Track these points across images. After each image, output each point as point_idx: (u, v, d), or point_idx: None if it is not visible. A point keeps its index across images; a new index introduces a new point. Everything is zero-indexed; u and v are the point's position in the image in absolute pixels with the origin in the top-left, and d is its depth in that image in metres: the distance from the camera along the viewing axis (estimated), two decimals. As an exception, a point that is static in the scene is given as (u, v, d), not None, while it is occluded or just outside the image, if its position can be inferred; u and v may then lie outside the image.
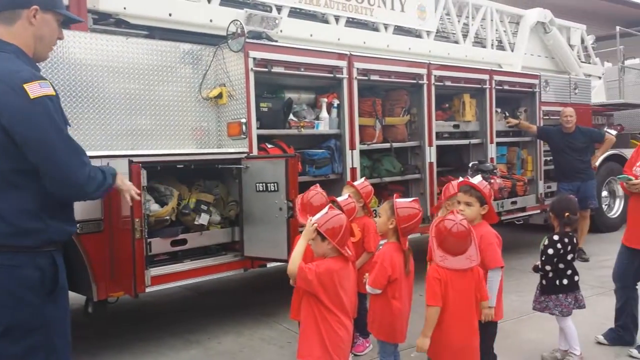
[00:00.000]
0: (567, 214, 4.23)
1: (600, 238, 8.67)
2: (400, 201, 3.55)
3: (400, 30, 7.48)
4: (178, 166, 4.89)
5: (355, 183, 4.72)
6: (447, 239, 3.18)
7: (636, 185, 4.25)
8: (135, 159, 4.15)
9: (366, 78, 5.97)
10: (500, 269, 3.61)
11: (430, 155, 6.66)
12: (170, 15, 5.34)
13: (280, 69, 5.29)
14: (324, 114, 5.84)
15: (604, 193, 9.53)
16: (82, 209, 4.21)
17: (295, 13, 6.38)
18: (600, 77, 10.84)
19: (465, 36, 8.28)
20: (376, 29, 7.21)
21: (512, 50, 8.99)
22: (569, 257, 4.21)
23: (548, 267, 4.14)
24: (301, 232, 3.18)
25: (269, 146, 5.37)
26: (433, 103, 6.63)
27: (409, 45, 7.40)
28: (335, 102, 5.87)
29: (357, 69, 5.86)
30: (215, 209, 5.13)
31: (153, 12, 5.27)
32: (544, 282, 4.25)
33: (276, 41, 5.48)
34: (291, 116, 5.63)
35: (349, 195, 4.21)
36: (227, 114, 5.30)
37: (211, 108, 5.35)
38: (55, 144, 2.33)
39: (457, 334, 3.19)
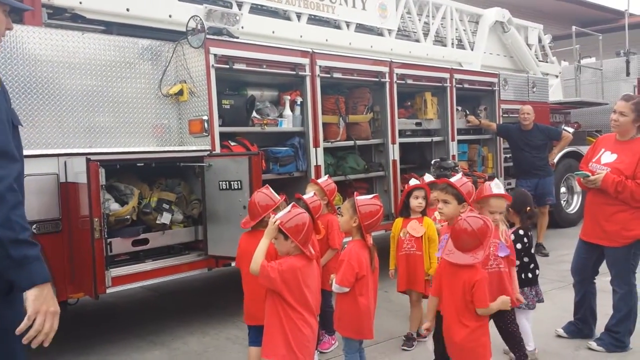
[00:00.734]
0: (528, 207, 4.32)
1: (559, 233, 8.89)
2: (361, 198, 3.56)
3: (362, 28, 7.51)
4: (138, 164, 4.79)
5: (319, 181, 4.73)
6: (458, 235, 3.19)
7: (592, 182, 4.36)
8: (93, 157, 4.06)
9: (329, 76, 5.98)
10: None
11: (394, 152, 6.72)
12: (127, 10, 5.23)
13: (242, 66, 5.25)
14: (287, 111, 5.82)
15: (562, 189, 9.78)
16: (38, 209, 4.12)
17: (257, 9, 6.33)
18: (557, 76, 11.11)
19: (426, 35, 8.37)
20: (338, 27, 7.22)
21: (472, 49, 9.13)
22: (532, 250, 4.31)
23: (518, 262, 4.20)
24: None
25: (232, 144, 5.32)
26: (395, 101, 6.69)
27: (370, 43, 7.44)
28: (299, 99, 5.86)
29: (320, 66, 5.87)
30: (177, 208, 5.05)
31: (110, 7, 5.15)
32: None
33: (237, 38, 5.43)
34: (254, 114, 5.58)
35: (314, 193, 4.20)
36: (188, 111, 5.22)
37: (172, 105, 5.27)
38: None
39: (446, 325, 3.26)
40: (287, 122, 5.81)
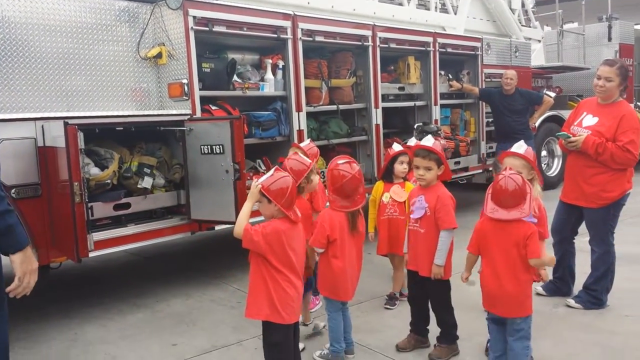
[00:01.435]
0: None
1: (539, 196, 8.98)
2: (333, 164, 3.58)
3: (344, -9, 7.39)
4: (117, 128, 4.72)
5: (301, 144, 4.71)
6: (499, 194, 3.18)
7: (573, 143, 4.40)
8: (71, 121, 3.99)
9: (311, 39, 5.91)
10: (453, 230, 3.65)
11: (377, 117, 6.71)
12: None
13: (222, 29, 5.16)
14: (269, 75, 5.76)
15: (543, 153, 9.89)
16: (16, 173, 4.07)
17: (237, -30, 6.19)
18: (539, 41, 11.09)
19: (409, -2, 8.28)
20: (320, -11, 7.10)
21: (455, 13, 9.05)
22: None
23: None
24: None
25: (213, 108, 5.27)
26: (378, 65, 6.65)
27: (353, 7, 7.33)
28: (280, 63, 5.79)
29: (302, 29, 5.79)
30: (158, 172, 5.02)
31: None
32: None
33: (217, -1, 5.33)
34: (235, 77, 5.52)
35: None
36: (167, 74, 5.15)
37: (150, 68, 5.18)
38: None
39: (492, 281, 3.26)
40: (269, 86, 5.75)
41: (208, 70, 5.20)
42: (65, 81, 4.68)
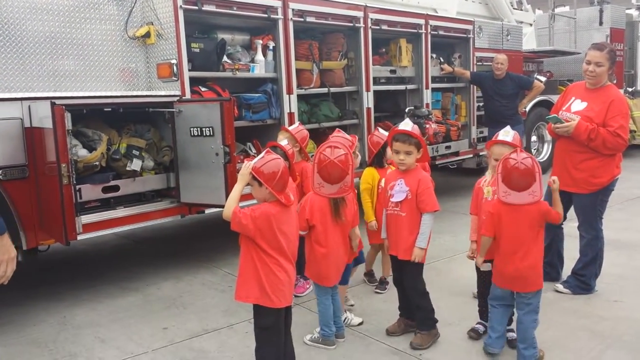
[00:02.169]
0: None
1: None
2: (322, 147, 3.57)
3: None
4: (105, 109, 4.66)
5: (290, 128, 4.66)
6: (511, 176, 3.24)
7: (565, 129, 4.39)
8: (58, 101, 3.92)
9: (302, 20, 5.83)
10: (435, 212, 3.66)
11: (368, 100, 6.67)
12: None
13: (212, 8, 5.07)
14: (259, 56, 5.69)
15: (533, 138, 9.90)
16: (2, 154, 4.01)
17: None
18: (531, 24, 11.07)
19: (401, -20, 8.19)
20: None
21: (448, -5, 8.98)
22: None
23: None
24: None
25: (203, 89, 5.20)
26: (370, 47, 6.59)
27: (345, -12, 7.24)
28: (271, 44, 5.72)
29: (293, 9, 5.71)
30: (148, 155, 4.96)
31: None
32: None
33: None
34: (225, 58, 5.44)
35: (287, 141, 4.14)
36: (156, 54, 5.06)
37: (139, 48, 5.09)
38: None
39: (509, 260, 3.35)
40: (259, 68, 5.68)
41: (197, 50, 5.11)
42: (52, 61, 4.60)
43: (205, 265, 5.48)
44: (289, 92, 5.79)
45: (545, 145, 10.13)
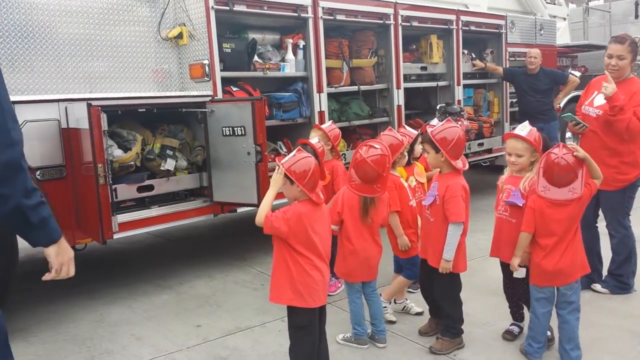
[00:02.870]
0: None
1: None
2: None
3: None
4: (140, 110, 4.73)
5: (323, 126, 4.66)
6: (551, 171, 3.21)
7: (578, 129, 4.29)
8: (94, 103, 3.98)
9: (332, 18, 5.82)
10: (461, 224, 3.43)
11: (399, 98, 6.62)
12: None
13: (243, 8, 5.10)
14: (289, 55, 5.70)
15: (568, 134, 9.67)
16: (41, 155, 4.10)
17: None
18: (565, 19, 10.82)
19: (431, -25, 8.10)
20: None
21: (479, -10, 8.85)
22: None
23: None
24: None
25: (234, 89, 5.23)
26: (400, 44, 6.54)
27: (375, -15, 7.21)
28: (301, 43, 5.72)
29: (323, 8, 5.70)
30: (181, 154, 5.03)
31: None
32: None
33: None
34: (256, 58, 5.47)
35: (318, 139, 4.13)
36: (188, 55, 5.12)
37: (171, 49, 5.16)
38: None
39: (551, 256, 3.29)
40: (290, 67, 5.69)
41: (229, 50, 5.15)
42: (87, 63, 4.70)
43: (238, 263, 5.52)
44: (319, 90, 5.79)
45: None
